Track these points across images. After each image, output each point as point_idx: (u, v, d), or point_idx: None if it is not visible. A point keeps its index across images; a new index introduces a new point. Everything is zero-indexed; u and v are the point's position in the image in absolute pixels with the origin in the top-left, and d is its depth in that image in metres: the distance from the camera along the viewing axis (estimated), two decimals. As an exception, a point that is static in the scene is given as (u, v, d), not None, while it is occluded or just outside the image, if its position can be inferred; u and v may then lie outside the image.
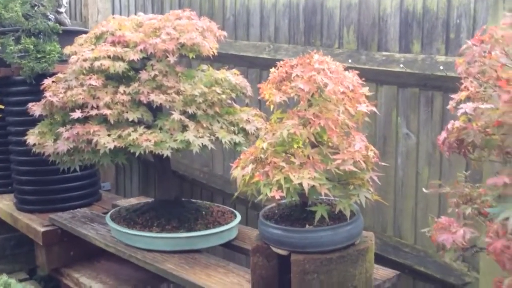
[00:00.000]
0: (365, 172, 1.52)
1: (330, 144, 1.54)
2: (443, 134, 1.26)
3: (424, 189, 1.41)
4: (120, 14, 3.96)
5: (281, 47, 2.83)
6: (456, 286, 2.11)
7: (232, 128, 2.05)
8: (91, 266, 2.74)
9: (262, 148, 1.56)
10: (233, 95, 2.10)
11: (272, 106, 1.72)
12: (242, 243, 2.23)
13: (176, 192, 2.42)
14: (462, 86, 1.38)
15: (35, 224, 2.80)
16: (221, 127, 2.02)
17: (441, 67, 2.06)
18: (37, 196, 3.04)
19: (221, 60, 2.91)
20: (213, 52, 2.12)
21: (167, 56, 1.98)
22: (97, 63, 1.99)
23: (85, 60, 2.04)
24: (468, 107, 1.23)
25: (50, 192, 3.04)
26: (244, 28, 3.06)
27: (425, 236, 2.22)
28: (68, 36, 2.84)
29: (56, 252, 2.74)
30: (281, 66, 1.62)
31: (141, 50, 2.00)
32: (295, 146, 1.58)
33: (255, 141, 2.10)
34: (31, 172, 3.02)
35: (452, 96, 1.39)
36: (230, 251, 2.34)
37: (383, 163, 1.68)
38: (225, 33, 2.19)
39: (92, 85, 1.96)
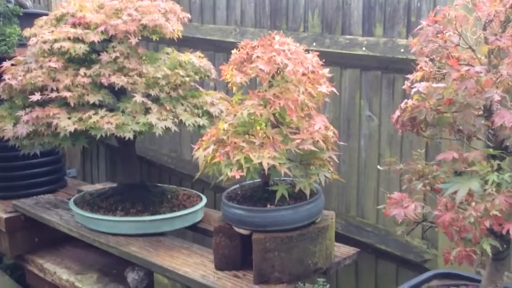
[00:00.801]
0: (324, 152, 1.55)
1: (291, 125, 1.55)
2: (397, 113, 1.30)
3: (379, 166, 1.44)
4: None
5: (248, 31, 2.83)
6: (415, 263, 2.18)
7: (196, 111, 2.04)
8: (56, 252, 2.71)
9: (223, 129, 1.56)
10: (197, 77, 2.09)
11: (234, 88, 1.73)
12: (207, 225, 2.24)
13: (141, 176, 2.40)
14: (418, 67, 1.42)
15: (-3, 211, 2.74)
16: (185, 110, 2.01)
17: (402, 50, 2.10)
18: (0, 182, 2.98)
19: (187, 44, 2.89)
20: (177, 35, 2.10)
21: (129, 38, 1.96)
22: (56, 45, 1.95)
23: (44, 42, 2.00)
24: (421, 86, 1.27)
25: (14, 179, 2.98)
26: (210, 11, 3.03)
27: (387, 215, 2.30)
28: (29, 18, 2.76)
29: (20, 238, 2.69)
30: (242, 48, 1.62)
31: (101, 32, 1.97)
32: (258, 127, 1.60)
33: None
34: (-7, 158, 2.96)
35: (408, 76, 1.43)
36: (199, 234, 2.34)
37: (342, 143, 1.71)
38: (188, 15, 2.18)
39: (52, 67, 1.92)
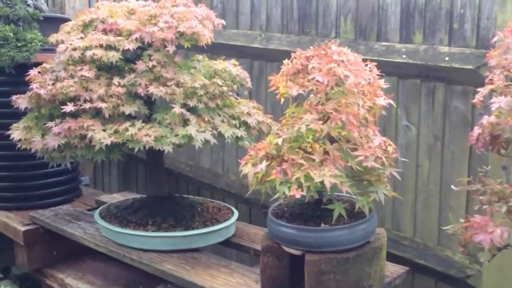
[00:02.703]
0: (385, 168, 1.46)
1: (348, 139, 1.47)
2: (477, 130, 1.21)
3: (453, 187, 1.36)
4: (97, 1, 3.77)
5: (274, 36, 2.74)
6: (457, 279, 2.10)
7: (233, 121, 1.95)
8: (76, 266, 2.60)
9: (276, 144, 1.47)
10: (235, 87, 2.01)
11: (282, 100, 1.64)
12: (241, 240, 2.15)
13: (169, 187, 2.31)
14: (487, 80, 1.34)
15: (14, 222, 2.63)
16: (222, 121, 1.92)
17: (447, 58, 2.02)
18: (14, 192, 2.87)
19: (209, 49, 2.80)
20: (211, 41, 2.02)
21: (165, 46, 1.86)
22: (89, 53, 1.85)
23: (74, 49, 1.90)
24: (502, 101, 1.19)
25: (29, 189, 2.87)
26: (233, 16, 2.94)
27: (425, 228, 2.22)
28: (47, 23, 2.66)
29: (38, 251, 2.59)
30: (295, 58, 1.54)
31: (136, 39, 1.87)
32: (307, 141, 1.51)
33: (257, 135, 2.03)
34: (8, 167, 2.84)
35: (479, 89, 1.35)
36: (232, 250, 2.25)
37: (403, 159, 1.63)
38: (223, 21, 2.09)
39: (85, 76, 1.83)
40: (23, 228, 2.53)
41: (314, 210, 1.60)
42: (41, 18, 2.51)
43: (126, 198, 2.56)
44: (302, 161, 1.40)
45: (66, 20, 2.97)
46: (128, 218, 2.15)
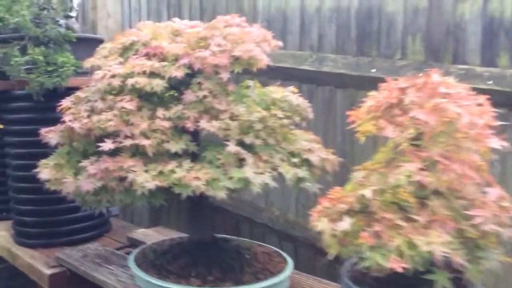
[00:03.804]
0: (504, 229, 1.15)
1: (456, 193, 1.16)
2: None
3: None
4: (130, 19, 3.57)
5: (327, 57, 2.47)
6: None
7: (293, 160, 1.67)
8: (107, 314, 2.34)
9: (363, 196, 1.18)
10: (297, 119, 1.73)
11: (362, 139, 1.35)
12: (298, 296, 1.85)
13: (212, 230, 2.03)
14: None
15: (39, 264, 2.38)
16: (282, 159, 1.64)
17: (547, 87, 1.71)
18: (39, 228, 2.63)
19: (252, 72, 2.54)
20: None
21: (218, 73, 1.60)
22: (130, 81, 1.60)
23: (113, 76, 1.65)
24: None
25: (55, 224, 2.62)
26: (280, 35, 2.67)
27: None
28: (79, 44, 2.44)
29: (64, 297, 2.33)
30: (385, 89, 1.25)
31: (184, 65, 1.61)
32: (401, 194, 1.21)
33: (320, 175, 1.74)
34: (33, 201, 2.61)
35: None
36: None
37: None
38: (280, 43, 1.82)
39: (125, 108, 1.57)
40: (48, 272, 2.28)
41: (405, 277, 1.29)
42: (74, 40, 2.28)
43: (163, 240, 2.28)
44: (401, 222, 1.10)
45: (100, 41, 2.75)
46: (167, 268, 1.87)
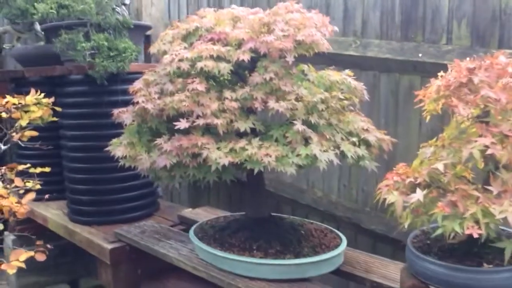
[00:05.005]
0: None
1: None
2: None
3: None
4: (169, 7, 3.67)
5: (371, 43, 2.54)
6: None
7: (352, 139, 1.76)
8: (162, 286, 2.47)
9: (436, 170, 1.27)
10: (356, 100, 1.82)
11: (428, 117, 1.44)
12: (353, 269, 1.95)
13: (270, 207, 2.14)
14: None
15: (98, 239, 2.52)
16: (342, 139, 1.73)
17: None
18: (94, 207, 2.77)
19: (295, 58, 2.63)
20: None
21: (283, 56, 1.69)
22: (200, 64, 1.70)
23: (181, 60, 1.75)
24: None
25: (109, 203, 2.76)
26: (323, 21, 2.75)
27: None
28: (131, 30, 2.55)
29: (124, 271, 2.47)
30: (453, 70, 1.33)
31: (250, 49, 1.71)
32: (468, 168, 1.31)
33: (378, 154, 1.83)
34: (89, 180, 2.75)
35: None
36: (334, 277, 2.05)
37: None
38: (336, 28, 1.90)
39: (197, 90, 1.68)
40: (109, 246, 2.42)
41: (469, 246, 1.39)
42: (132, 26, 2.39)
43: (217, 217, 2.40)
44: (475, 192, 1.19)
45: (148, 27, 2.86)
46: (229, 241, 1.99)
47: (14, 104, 1.96)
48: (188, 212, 2.78)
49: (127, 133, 1.88)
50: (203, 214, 2.69)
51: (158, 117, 1.76)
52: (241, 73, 1.92)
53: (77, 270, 3.57)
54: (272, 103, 1.63)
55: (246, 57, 1.70)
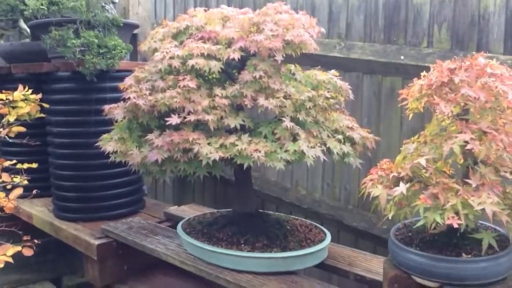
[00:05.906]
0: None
1: (500, 162, 1.33)
2: None
3: None
4: (155, 7, 3.70)
5: (355, 45, 2.62)
6: None
7: (338, 136, 1.83)
8: (148, 281, 2.50)
9: (418, 164, 1.34)
10: (341, 99, 1.88)
11: (410, 115, 1.51)
12: (336, 262, 2.01)
13: (256, 204, 2.19)
14: None
15: (85, 235, 2.53)
16: (328, 136, 1.80)
17: None
18: (80, 203, 2.78)
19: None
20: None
21: (272, 55, 1.75)
22: (191, 62, 1.74)
23: (172, 57, 1.79)
24: None
25: (95, 199, 2.77)
26: (308, 23, 2.82)
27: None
28: (120, 29, 2.57)
29: (110, 266, 2.49)
30: (434, 70, 1.41)
31: (240, 48, 1.76)
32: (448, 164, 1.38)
33: (361, 151, 1.90)
34: (75, 177, 2.76)
35: None
36: (319, 271, 2.12)
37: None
38: (323, 29, 1.97)
39: (188, 87, 1.72)
40: (96, 242, 2.43)
41: (449, 237, 1.47)
42: (121, 24, 2.41)
43: (204, 213, 2.44)
44: (455, 185, 1.26)
45: (136, 26, 2.89)
46: (217, 236, 2.04)
47: (1, 99, 1.97)
48: (174, 209, 2.81)
49: (118, 129, 1.91)
50: (189, 211, 2.72)
51: (149, 113, 1.80)
52: (230, 72, 1.97)
53: (60, 268, 3.56)
54: (261, 101, 1.68)
55: (236, 55, 1.75)
